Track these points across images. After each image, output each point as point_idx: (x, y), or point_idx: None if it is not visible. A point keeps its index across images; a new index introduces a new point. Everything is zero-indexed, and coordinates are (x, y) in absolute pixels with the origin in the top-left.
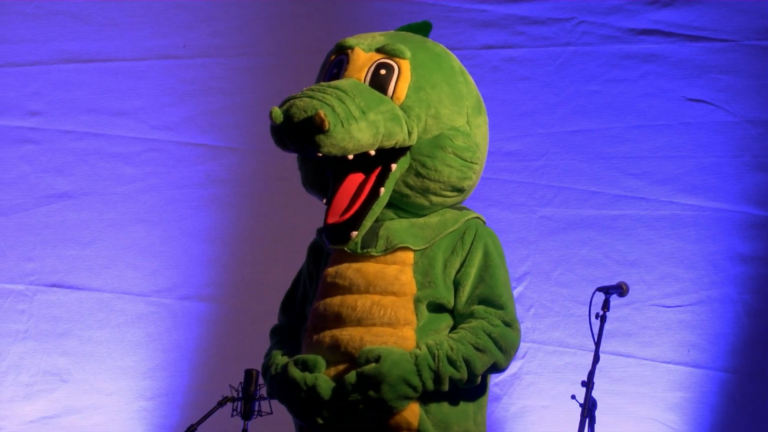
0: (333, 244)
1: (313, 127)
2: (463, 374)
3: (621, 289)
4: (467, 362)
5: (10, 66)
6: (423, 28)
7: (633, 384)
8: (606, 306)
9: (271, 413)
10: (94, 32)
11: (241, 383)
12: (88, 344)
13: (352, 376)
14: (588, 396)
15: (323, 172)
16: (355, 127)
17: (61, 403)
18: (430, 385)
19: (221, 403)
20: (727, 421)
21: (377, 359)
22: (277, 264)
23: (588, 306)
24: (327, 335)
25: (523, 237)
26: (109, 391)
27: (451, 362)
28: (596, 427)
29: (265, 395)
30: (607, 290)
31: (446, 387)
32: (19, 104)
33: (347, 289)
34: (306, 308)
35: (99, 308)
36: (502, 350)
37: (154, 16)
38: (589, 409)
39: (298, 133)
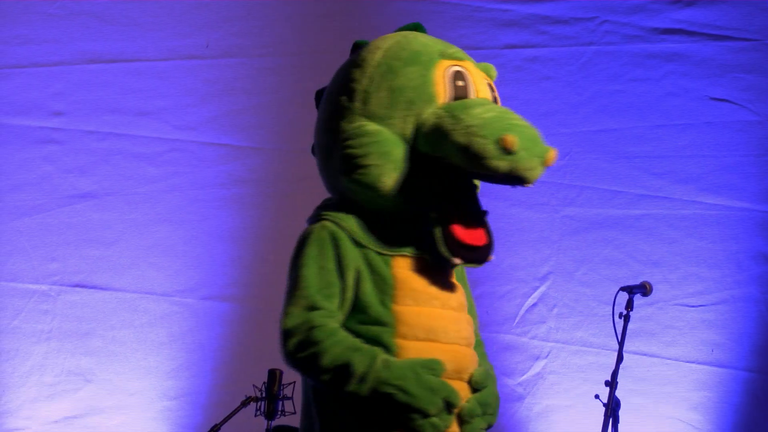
0: (468, 262)
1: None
2: None
3: (644, 289)
4: None
5: (33, 66)
6: (418, 29)
7: (656, 383)
8: (629, 305)
9: (295, 413)
10: (117, 32)
11: (264, 383)
12: (111, 344)
13: (492, 396)
14: (611, 395)
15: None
16: None
17: (84, 403)
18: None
19: (245, 403)
20: (751, 421)
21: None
22: None
23: (611, 305)
24: (438, 348)
25: (546, 236)
26: (132, 390)
27: None
28: (620, 426)
29: (288, 395)
30: (631, 290)
31: None
32: (42, 105)
33: (439, 301)
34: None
35: (122, 308)
36: None
37: (177, 16)
38: (612, 408)
39: (536, 170)
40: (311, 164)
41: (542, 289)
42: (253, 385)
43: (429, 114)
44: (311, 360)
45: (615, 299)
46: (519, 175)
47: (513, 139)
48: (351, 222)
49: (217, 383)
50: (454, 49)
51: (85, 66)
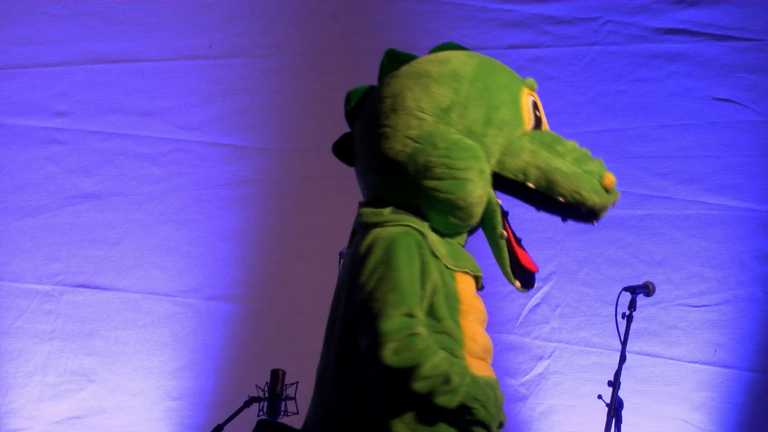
0: (522, 286)
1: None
2: None
3: (647, 289)
4: None
5: (36, 67)
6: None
7: (659, 384)
8: (632, 306)
9: (297, 413)
10: (120, 33)
11: (267, 383)
12: (114, 344)
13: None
14: (614, 396)
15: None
16: None
17: (87, 404)
18: None
19: (247, 403)
20: (754, 421)
21: None
22: (303, 264)
23: (614, 306)
24: (487, 368)
25: (550, 237)
26: (135, 391)
27: None
28: (622, 426)
29: (291, 395)
30: (634, 290)
31: None
32: (45, 105)
33: (484, 321)
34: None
35: (125, 308)
36: None
37: (180, 16)
38: (615, 408)
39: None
40: (314, 164)
41: (545, 289)
42: (256, 386)
43: (515, 138)
44: (409, 367)
45: (618, 299)
46: (600, 213)
47: (613, 180)
48: (429, 231)
49: (220, 383)
50: (530, 80)
51: (89, 66)
